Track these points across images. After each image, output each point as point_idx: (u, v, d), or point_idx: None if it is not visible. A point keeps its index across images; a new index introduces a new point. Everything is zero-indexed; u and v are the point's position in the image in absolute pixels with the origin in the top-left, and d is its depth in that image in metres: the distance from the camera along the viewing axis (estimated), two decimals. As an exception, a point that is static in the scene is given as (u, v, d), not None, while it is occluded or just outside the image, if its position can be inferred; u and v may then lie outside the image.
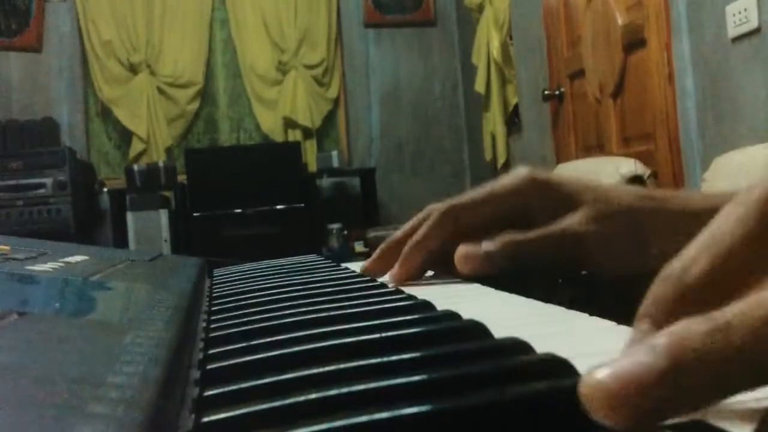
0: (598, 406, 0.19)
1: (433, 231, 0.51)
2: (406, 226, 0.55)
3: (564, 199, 0.44)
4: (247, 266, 0.73)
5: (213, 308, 0.45)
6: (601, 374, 0.19)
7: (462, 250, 0.45)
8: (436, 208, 0.51)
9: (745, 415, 0.20)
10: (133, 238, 4.85)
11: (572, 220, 0.44)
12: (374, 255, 0.57)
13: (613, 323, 0.33)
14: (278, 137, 5.67)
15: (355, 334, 0.31)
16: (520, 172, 0.44)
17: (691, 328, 0.19)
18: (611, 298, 0.44)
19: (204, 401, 0.25)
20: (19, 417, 0.19)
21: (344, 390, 0.23)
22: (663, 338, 0.19)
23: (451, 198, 0.49)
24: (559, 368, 0.24)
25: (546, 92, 3.95)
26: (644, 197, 0.43)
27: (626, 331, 0.28)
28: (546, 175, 0.44)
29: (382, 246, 0.56)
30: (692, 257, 0.23)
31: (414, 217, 0.55)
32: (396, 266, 0.53)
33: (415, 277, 0.54)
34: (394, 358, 0.27)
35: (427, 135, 5.83)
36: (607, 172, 2.70)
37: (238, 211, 5.00)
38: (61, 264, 0.51)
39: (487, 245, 0.44)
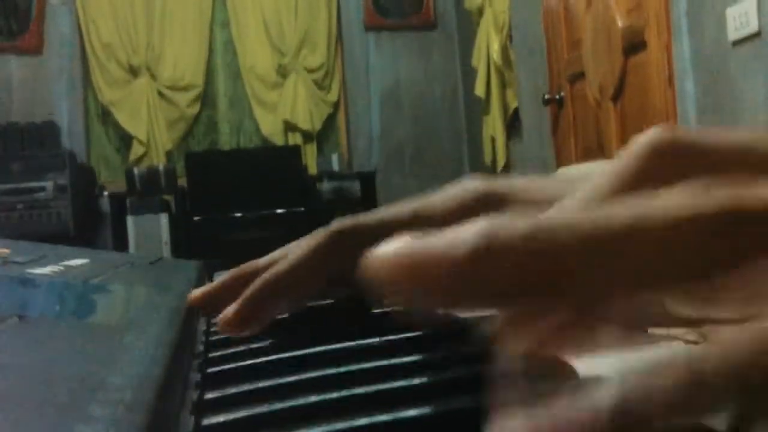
0: (387, 276, 0.16)
1: (312, 259, 0.33)
2: (267, 258, 0.38)
3: None
4: (247, 269, 0.72)
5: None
6: (399, 244, 0.16)
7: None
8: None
9: None
10: (133, 242, 4.85)
11: None
12: (208, 286, 0.39)
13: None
14: (278, 140, 5.67)
15: (355, 337, 0.31)
16: (467, 184, 0.31)
17: (514, 221, 0.17)
18: None
19: (204, 404, 0.25)
20: (19, 418, 0.19)
21: (345, 393, 0.23)
22: (476, 225, 0.16)
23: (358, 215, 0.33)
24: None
25: (546, 96, 3.95)
26: None
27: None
28: (500, 185, 0.30)
29: (224, 278, 0.38)
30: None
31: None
32: (232, 306, 0.34)
33: (260, 323, 0.33)
34: (394, 361, 0.27)
35: (427, 138, 5.83)
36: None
37: (239, 214, 5.00)
38: (62, 267, 0.51)
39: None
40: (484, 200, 0.29)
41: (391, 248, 0.16)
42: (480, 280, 0.16)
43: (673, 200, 0.17)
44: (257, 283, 0.34)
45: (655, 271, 0.16)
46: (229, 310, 0.33)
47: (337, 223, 0.33)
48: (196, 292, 0.38)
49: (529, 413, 0.14)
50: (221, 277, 0.38)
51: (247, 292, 0.33)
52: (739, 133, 0.19)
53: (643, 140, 0.19)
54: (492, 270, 0.16)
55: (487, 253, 0.16)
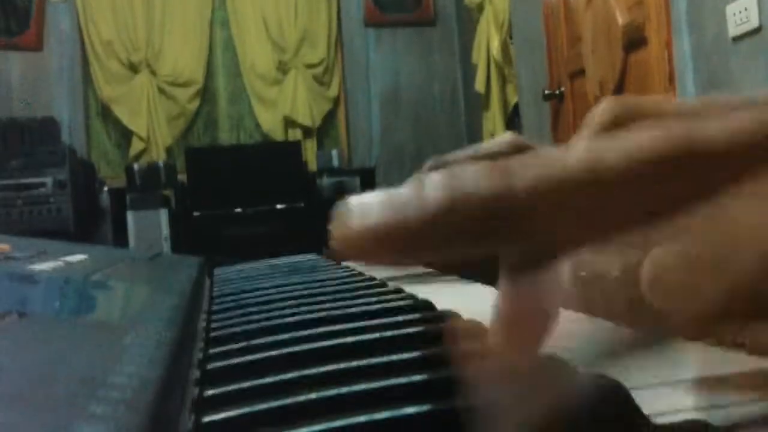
0: (349, 238, 0.17)
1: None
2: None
3: None
4: (247, 265, 0.73)
5: (213, 307, 0.45)
6: (360, 204, 0.17)
7: None
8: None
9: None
10: (133, 237, 4.85)
11: None
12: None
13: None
14: (278, 136, 5.67)
15: (355, 334, 0.31)
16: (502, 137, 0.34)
17: (470, 167, 0.17)
18: None
19: (204, 401, 0.25)
20: (19, 417, 0.18)
21: (344, 390, 0.23)
22: (438, 173, 0.17)
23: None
24: (561, 366, 0.24)
25: (546, 92, 3.94)
26: None
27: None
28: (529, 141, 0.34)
29: None
30: None
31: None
32: None
33: None
34: (393, 357, 0.27)
35: (427, 134, 5.83)
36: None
37: (238, 210, 4.99)
38: (61, 263, 0.51)
39: None
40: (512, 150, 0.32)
41: (355, 205, 0.17)
42: (449, 226, 0.16)
43: (626, 137, 0.17)
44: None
45: (612, 210, 0.16)
46: None
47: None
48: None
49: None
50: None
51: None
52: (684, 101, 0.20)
53: (599, 108, 0.20)
54: (458, 216, 0.16)
55: (447, 197, 0.16)
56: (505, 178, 0.16)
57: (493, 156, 0.30)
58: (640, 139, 0.17)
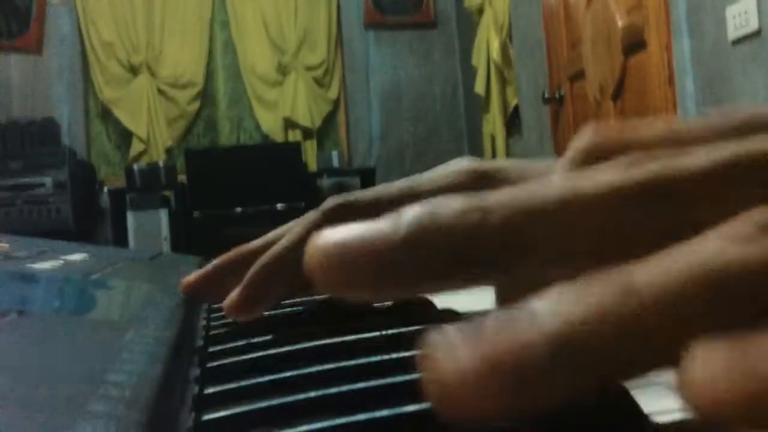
0: (315, 269, 0.16)
1: (297, 243, 0.33)
2: (262, 240, 0.37)
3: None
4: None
5: (213, 305, 0.45)
6: (331, 235, 0.16)
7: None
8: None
9: None
10: (133, 237, 4.85)
11: None
12: (203, 270, 0.38)
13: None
14: (278, 138, 5.67)
15: (356, 332, 0.31)
16: (459, 163, 0.32)
17: (447, 201, 0.16)
18: None
19: (204, 399, 0.25)
20: (19, 416, 0.18)
21: (345, 388, 0.23)
22: (415, 207, 0.16)
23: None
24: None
25: (546, 94, 3.95)
26: None
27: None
28: (489, 164, 0.31)
29: (218, 261, 0.38)
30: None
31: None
32: (236, 290, 0.34)
33: (266, 306, 0.34)
34: (394, 356, 0.27)
35: (427, 136, 5.83)
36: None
37: (238, 210, 5.00)
38: (61, 262, 0.51)
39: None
40: (472, 179, 0.29)
41: (326, 236, 0.16)
42: (414, 260, 0.16)
43: (604, 171, 0.17)
44: (257, 266, 0.33)
45: (586, 241, 0.16)
46: (234, 295, 0.33)
47: (330, 201, 0.33)
48: (190, 278, 0.38)
49: (468, 329, 0.14)
50: (214, 261, 0.38)
51: (249, 275, 0.33)
52: (663, 123, 0.19)
53: (576, 143, 0.20)
54: (426, 249, 0.16)
55: (422, 231, 0.16)
56: (482, 213, 0.16)
57: (450, 188, 0.29)
58: (620, 172, 0.16)
